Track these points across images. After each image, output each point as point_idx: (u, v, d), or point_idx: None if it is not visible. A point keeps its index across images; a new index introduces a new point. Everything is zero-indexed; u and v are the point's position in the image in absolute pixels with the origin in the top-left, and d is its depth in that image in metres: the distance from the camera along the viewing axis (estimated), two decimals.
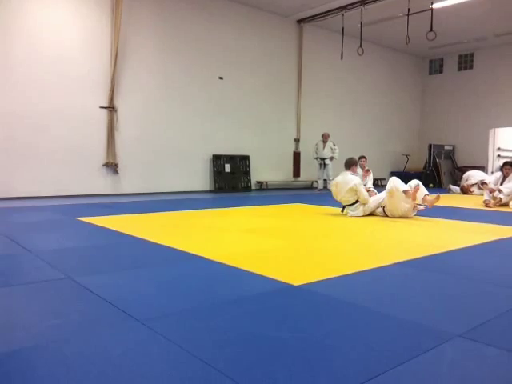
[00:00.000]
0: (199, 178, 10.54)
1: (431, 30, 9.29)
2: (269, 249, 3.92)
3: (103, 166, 8.99)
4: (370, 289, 2.77)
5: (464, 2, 10.13)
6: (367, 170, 7.65)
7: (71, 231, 4.74)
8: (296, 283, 2.74)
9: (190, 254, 3.58)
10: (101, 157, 8.97)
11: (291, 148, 12.30)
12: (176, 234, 4.61)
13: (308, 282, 2.78)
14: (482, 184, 8.83)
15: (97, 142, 8.89)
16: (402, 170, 14.35)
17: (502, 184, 8.32)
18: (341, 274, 3.01)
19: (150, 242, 4.07)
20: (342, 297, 2.53)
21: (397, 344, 1.91)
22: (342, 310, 2.35)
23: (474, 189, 10.78)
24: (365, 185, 9.62)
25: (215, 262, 3.29)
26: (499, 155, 15.05)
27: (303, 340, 1.92)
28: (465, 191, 11.10)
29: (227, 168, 10.87)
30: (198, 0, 10.17)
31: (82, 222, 5.30)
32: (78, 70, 8.61)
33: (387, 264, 3.33)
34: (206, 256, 3.47)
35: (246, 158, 11.26)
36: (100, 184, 8.99)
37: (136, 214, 6.07)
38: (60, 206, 6.97)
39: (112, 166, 9.05)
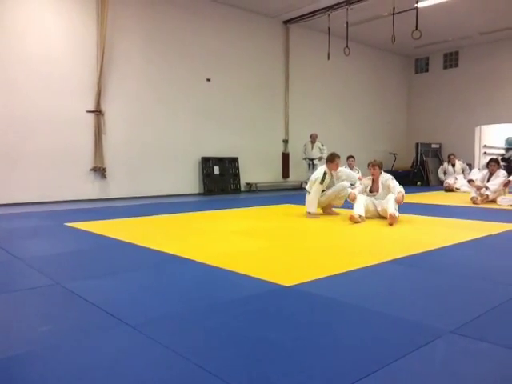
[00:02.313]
0: (188, 181, 10.50)
1: (416, 28, 9.35)
2: (259, 250, 3.92)
3: (91, 170, 8.91)
4: (362, 287, 2.78)
5: (448, 1, 10.23)
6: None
7: (59, 237, 4.69)
8: (287, 284, 2.74)
9: (179, 257, 3.56)
10: (88, 161, 8.89)
11: (280, 149, 12.31)
12: (165, 238, 4.58)
13: (299, 282, 2.78)
14: (469, 181, 8.92)
15: (84, 146, 8.81)
16: (390, 168, 14.44)
17: (488, 181, 8.41)
18: (332, 273, 3.02)
19: (139, 246, 4.05)
20: (334, 296, 2.54)
21: (390, 341, 1.92)
22: (335, 309, 2.35)
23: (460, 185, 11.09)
24: (353, 184, 9.76)
25: (206, 265, 3.28)
26: (485, 152, 15.19)
27: (297, 340, 1.92)
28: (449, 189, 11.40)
29: (216, 170, 10.85)
30: (184, 2, 10.14)
31: (71, 227, 5.25)
32: (64, 74, 8.52)
33: (378, 262, 3.35)
34: (196, 259, 3.46)
35: (234, 160, 11.24)
36: (88, 189, 8.90)
37: (125, 219, 6.03)
38: (47, 212, 6.89)
39: (100, 171, 8.97)
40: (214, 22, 10.69)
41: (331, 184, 6.38)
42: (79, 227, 5.18)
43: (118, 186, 9.27)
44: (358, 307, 2.36)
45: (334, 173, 6.37)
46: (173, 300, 2.49)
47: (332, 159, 6.32)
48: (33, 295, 2.61)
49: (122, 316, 2.20)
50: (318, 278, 2.90)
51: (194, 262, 3.39)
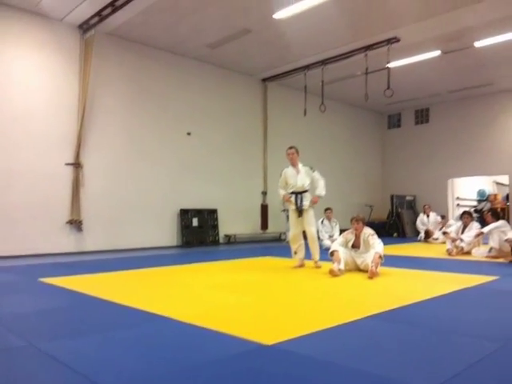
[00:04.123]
0: (166, 233, 10.42)
1: (388, 87, 9.84)
2: (238, 306, 3.87)
3: (67, 223, 8.78)
4: (343, 344, 2.76)
5: (418, 62, 10.84)
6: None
7: (33, 294, 4.55)
8: (268, 342, 2.71)
9: (156, 314, 3.48)
10: (65, 214, 8.77)
11: (259, 201, 12.42)
12: (142, 294, 4.49)
13: (279, 340, 2.75)
14: (444, 233, 9.11)
15: (61, 198, 8.72)
16: (367, 220, 14.64)
17: (462, 233, 8.61)
18: (312, 330, 3.00)
19: (115, 303, 3.95)
20: (314, 355, 2.51)
21: None
22: (316, 369, 2.33)
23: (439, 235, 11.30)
24: (332, 235, 9.84)
25: (184, 323, 3.21)
26: (458, 204, 15.65)
27: None
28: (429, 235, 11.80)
29: (195, 222, 10.82)
30: (167, 59, 10.48)
31: (45, 283, 5.10)
32: (45, 127, 8.56)
33: (358, 318, 3.35)
34: (174, 316, 3.39)
35: (213, 212, 11.26)
36: (64, 242, 8.72)
37: (101, 273, 5.89)
38: (21, 267, 6.70)
39: (76, 224, 8.84)
40: (196, 78, 11.04)
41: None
42: (54, 283, 5.04)
43: (94, 239, 9.12)
44: (340, 366, 2.34)
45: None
46: (151, 362, 2.42)
47: None
48: (3, 358, 2.50)
49: (99, 379, 2.12)
50: (298, 335, 2.87)
51: (172, 320, 3.32)
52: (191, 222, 10.73)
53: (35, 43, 8.53)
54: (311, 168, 6.60)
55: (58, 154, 8.71)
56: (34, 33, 8.50)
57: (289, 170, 6.59)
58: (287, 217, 11.56)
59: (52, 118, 8.68)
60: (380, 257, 5.59)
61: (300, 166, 6.60)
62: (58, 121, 8.76)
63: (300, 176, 6.51)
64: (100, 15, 8.44)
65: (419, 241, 12.03)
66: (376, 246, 5.73)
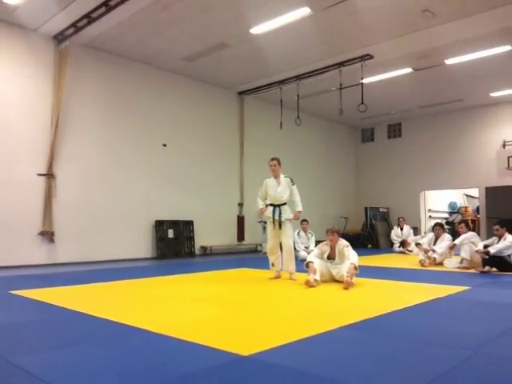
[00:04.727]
0: (141, 245, 10.29)
1: (362, 102, 10.07)
2: (215, 317, 3.86)
3: (38, 234, 8.59)
4: (318, 354, 2.79)
5: (390, 78, 11.14)
6: None
7: (4, 306, 4.43)
8: (245, 353, 2.71)
9: (131, 327, 3.44)
10: (36, 225, 8.58)
11: (235, 212, 12.43)
12: (116, 306, 4.43)
13: (257, 351, 2.76)
14: (417, 245, 9.29)
15: (32, 209, 8.53)
16: (341, 232, 14.80)
17: (435, 244, 8.80)
18: (289, 340, 3.02)
19: (89, 315, 3.88)
20: (290, 365, 2.53)
21: None
22: (292, 379, 2.34)
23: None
24: (307, 247, 9.91)
25: (159, 335, 3.19)
26: (430, 216, 16.00)
27: None
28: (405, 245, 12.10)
29: (170, 233, 10.73)
30: (143, 71, 10.46)
31: (17, 295, 4.97)
32: (17, 136, 8.39)
33: (333, 328, 3.39)
34: (149, 328, 3.35)
35: (189, 223, 11.20)
36: (35, 254, 8.52)
37: (74, 286, 5.78)
38: None
39: (48, 235, 8.66)
40: (172, 90, 11.04)
41: None
42: (26, 295, 4.92)
43: (67, 251, 8.94)
44: (316, 376, 2.37)
45: None
46: (127, 376, 2.40)
47: None
48: None
49: None
50: (276, 345, 2.89)
51: (146, 332, 3.29)
52: (167, 234, 10.64)
53: (8, 53, 8.39)
54: (292, 180, 6.65)
55: (30, 164, 8.55)
56: (6, 42, 8.37)
57: (270, 181, 6.64)
58: (263, 228, 11.66)
59: (24, 128, 8.53)
60: (355, 268, 5.68)
61: (282, 177, 6.66)
62: (31, 131, 8.61)
63: (280, 188, 6.56)
64: (75, 26, 8.38)
65: (394, 252, 12.25)
66: (351, 257, 5.81)
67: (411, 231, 12.74)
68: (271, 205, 6.55)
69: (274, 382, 2.28)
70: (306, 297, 5.03)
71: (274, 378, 2.34)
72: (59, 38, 8.84)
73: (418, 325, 3.61)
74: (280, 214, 6.45)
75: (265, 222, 11.59)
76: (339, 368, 2.51)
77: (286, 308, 4.43)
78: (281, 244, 6.62)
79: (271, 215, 6.49)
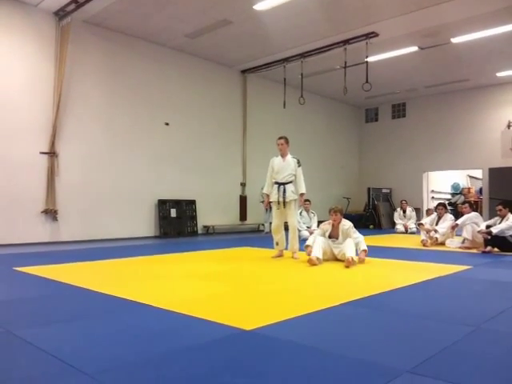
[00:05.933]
0: (144, 224, 10.33)
1: (367, 81, 9.94)
2: (218, 294, 3.89)
3: (42, 212, 8.62)
4: (321, 329, 2.81)
5: (396, 57, 10.99)
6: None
7: (9, 282, 4.47)
8: (248, 328, 2.73)
9: (136, 302, 3.47)
10: (39, 203, 8.60)
11: (238, 192, 12.43)
12: (120, 283, 4.47)
13: (259, 326, 2.78)
14: (419, 225, 9.30)
15: (35, 188, 8.54)
16: (344, 212, 14.82)
17: (437, 224, 8.81)
18: (291, 316, 3.04)
19: (93, 291, 3.92)
20: (294, 339, 2.55)
21: (350, 383, 1.95)
22: (295, 353, 2.36)
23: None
24: (309, 227, 9.92)
25: (163, 310, 3.22)
26: (433, 197, 15.99)
27: None
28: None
29: (173, 213, 10.76)
30: (145, 49, 10.34)
31: (21, 272, 5.01)
32: (18, 114, 8.35)
33: (335, 304, 3.41)
34: (153, 304, 3.38)
35: (192, 203, 11.22)
36: (38, 231, 8.57)
37: (77, 263, 5.82)
38: None
39: (51, 213, 8.69)
40: (174, 68, 10.92)
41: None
42: (29, 272, 4.96)
43: (70, 229, 8.98)
44: (318, 350, 2.38)
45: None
46: (131, 347, 2.42)
47: None
48: None
49: (80, 365, 2.11)
50: (278, 320, 2.91)
51: (150, 307, 3.32)
52: (169, 213, 10.67)
53: (8, 28, 8.28)
54: (298, 162, 6.63)
55: (33, 142, 8.52)
56: (7, 17, 8.25)
57: (276, 160, 6.65)
58: (266, 209, 11.67)
59: (26, 106, 8.48)
60: (365, 252, 5.98)
61: (289, 156, 6.65)
62: (33, 109, 8.56)
63: (286, 167, 6.54)
64: (77, 2, 8.24)
65: (396, 232, 12.31)
66: (360, 242, 6.04)
67: (413, 213, 12.75)
68: (276, 183, 6.54)
69: (274, 354, 2.30)
70: (308, 275, 5.06)
71: (277, 351, 2.36)
72: (60, 14, 8.71)
73: (419, 302, 3.63)
74: (284, 192, 6.45)
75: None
76: (338, 342, 2.52)
77: (288, 285, 4.45)
78: (286, 223, 6.65)
79: (276, 199, 6.51)
